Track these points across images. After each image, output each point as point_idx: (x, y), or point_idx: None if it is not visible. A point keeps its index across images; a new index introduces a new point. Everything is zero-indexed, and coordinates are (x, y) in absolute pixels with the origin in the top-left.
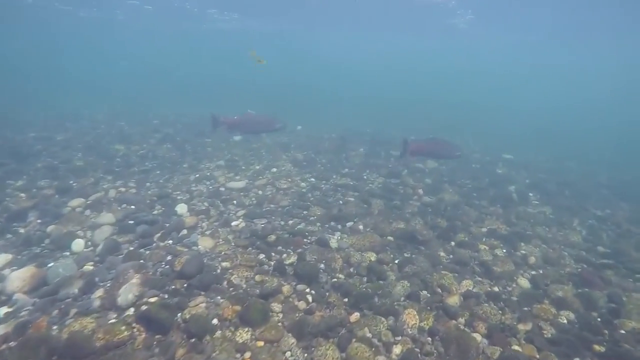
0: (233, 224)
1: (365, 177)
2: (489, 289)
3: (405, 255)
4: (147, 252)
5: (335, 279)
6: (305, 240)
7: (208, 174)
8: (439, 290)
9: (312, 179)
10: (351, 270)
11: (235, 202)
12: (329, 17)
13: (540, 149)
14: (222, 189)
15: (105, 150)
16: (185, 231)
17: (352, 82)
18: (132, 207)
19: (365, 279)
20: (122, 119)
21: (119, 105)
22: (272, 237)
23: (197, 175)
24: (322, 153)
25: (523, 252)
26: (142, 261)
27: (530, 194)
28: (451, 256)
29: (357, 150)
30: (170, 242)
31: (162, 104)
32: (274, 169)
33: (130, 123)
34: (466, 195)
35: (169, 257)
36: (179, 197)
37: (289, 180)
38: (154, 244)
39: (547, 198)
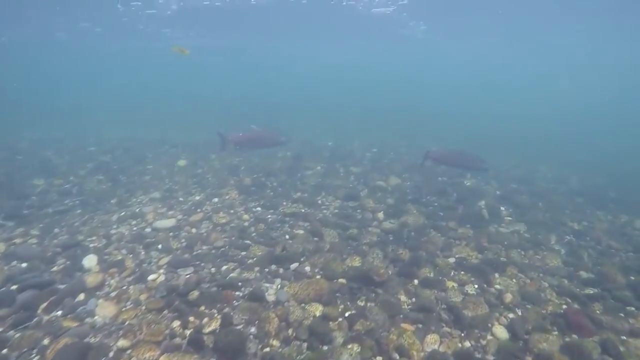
0: (150, 277)
1: (319, 201)
2: (459, 345)
3: (359, 303)
4: (18, 334)
5: (267, 349)
6: (236, 293)
7: (137, 210)
8: (397, 355)
9: (258, 208)
10: (289, 332)
11: (160, 246)
12: (287, 29)
13: (509, 154)
14: (148, 229)
15: (18, 188)
16: (83, 295)
17: (314, 94)
18: (24, 264)
19: (305, 344)
20: (51, 146)
21: (54, 131)
22: (195, 294)
23: (123, 213)
24: (274, 175)
25: (498, 286)
26: (4, 351)
27: (502, 208)
28: (414, 300)
29: (313, 169)
30: (59, 313)
31: (109, 127)
32: (216, 199)
33: (59, 151)
34: (432, 216)
35: (45, 341)
36: (91, 245)
37: (231, 212)
38: (35, 319)
39: (520, 212)
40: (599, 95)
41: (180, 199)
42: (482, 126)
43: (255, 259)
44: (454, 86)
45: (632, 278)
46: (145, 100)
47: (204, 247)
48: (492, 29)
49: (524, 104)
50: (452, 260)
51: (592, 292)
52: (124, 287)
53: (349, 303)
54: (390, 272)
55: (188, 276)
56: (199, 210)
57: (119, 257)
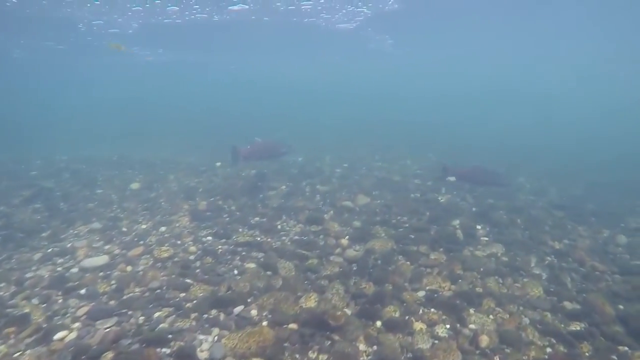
0: (57, 336)
1: (279, 226)
2: None
3: (310, 354)
4: None
5: None
6: (162, 351)
7: (68, 245)
8: None
9: (209, 238)
10: None
11: (84, 290)
12: (253, 45)
13: (487, 164)
14: (74, 269)
15: None
16: None
17: (287, 108)
18: None
19: None
20: None
21: None
22: (109, 356)
23: (50, 250)
24: (234, 197)
25: (472, 326)
26: None
27: (478, 227)
28: (375, 348)
29: (277, 189)
30: None
31: (65, 147)
32: (164, 228)
33: None
34: (402, 240)
35: None
36: None
37: (178, 243)
38: None
39: (498, 231)
40: (572, 103)
41: (124, 229)
42: (460, 136)
43: (195, 301)
44: (429, 97)
45: (621, 307)
46: (109, 118)
47: (137, 290)
48: (458, 40)
49: (502, 113)
50: (421, 294)
51: (578, 328)
52: (17, 354)
53: (297, 356)
54: (349, 313)
55: (107, 330)
56: (141, 242)
57: (26, 310)
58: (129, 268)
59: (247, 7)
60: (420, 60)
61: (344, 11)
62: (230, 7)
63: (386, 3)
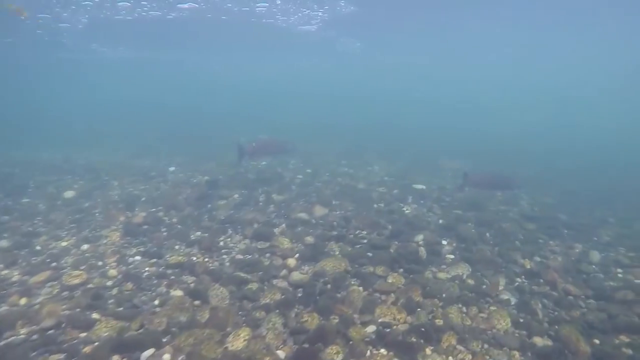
0: None
1: (222, 242)
2: None
3: None
4: None
5: None
6: None
7: None
8: None
9: (137, 257)
10: None
11: None
12: (213, 43)
13: (456, 173)
14: None
15: None
16: None
17: (256, 109)
18: None
19: None
20: None
21: None
22: None
23: None
24: (178, 207)
25: None
26: None
27: (444, 243)
28: None
29: (229, 198)
30: None
31: (1, 149)
32: (86, 246)
33: None
34: (358, 259)
35: None
36: None
37: (99, 264)
38: None
39: (464, 248)
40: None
41: (38, 247)
42: (434, 140)
43: (95, 344)
44: (402, 100)
45: (597, 342)
46: (70, 117)
47: (23, 331)
48: (423, 44)
49: (480, 117)
50: (371, 329)
51: None
52: None
53: None
54: (283, 356)
55: None
56: (53, 264)
57: None
58: (23, 300)
59: (196, 5)
60: (391, 63)
61: (299, 14)
62: (179, 5)
63: (340, 5)
